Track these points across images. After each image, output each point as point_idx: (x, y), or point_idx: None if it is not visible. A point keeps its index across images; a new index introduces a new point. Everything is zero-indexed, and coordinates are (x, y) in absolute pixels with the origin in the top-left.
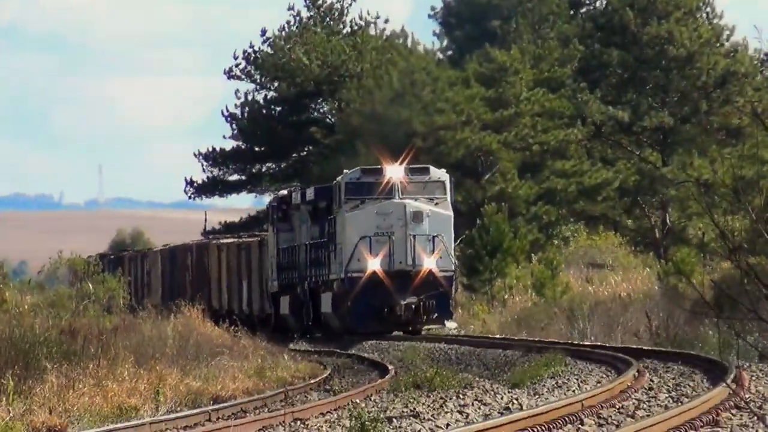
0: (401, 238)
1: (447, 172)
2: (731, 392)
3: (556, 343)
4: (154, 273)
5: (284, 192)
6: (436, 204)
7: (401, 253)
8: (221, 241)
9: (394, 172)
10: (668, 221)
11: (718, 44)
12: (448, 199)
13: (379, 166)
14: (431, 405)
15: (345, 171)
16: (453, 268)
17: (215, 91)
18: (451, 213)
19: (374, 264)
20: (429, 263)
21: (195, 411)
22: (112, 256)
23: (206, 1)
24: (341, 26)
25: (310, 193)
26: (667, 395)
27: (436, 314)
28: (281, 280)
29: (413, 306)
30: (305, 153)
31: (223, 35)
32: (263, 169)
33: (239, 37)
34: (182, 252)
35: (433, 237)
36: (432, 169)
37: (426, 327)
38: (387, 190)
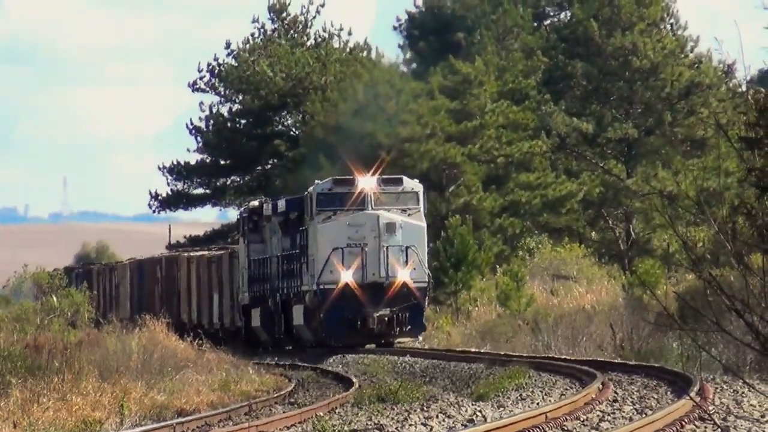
0: (374, 250)
1: (420, 182)
2: (695, 404)
3: (520, 356)
4: (123, 286)
5: (255, 203)
6: (410, 215)
7: (374, 265)
8: (191, 253)
9: (367, 182)
10: (632, 233)
11: (682, 55)
12: (422, 209)
13: (351, 177)
14: (395, 418)
15: (317, 182)
16: (427, 280)
17: (180, 103)
18: (424, 224)
19: (347, 276)
20: (402, 275)
21: (159, 424)
22: (80, 270)
23: (171, 13)
24: (305, 38)
25: (281, 204)
26: (631, 407)
27: (409, 326)
28: (252, 292)
29: (386, 318)
30: (270, 166)
31: (187, 47)
32: (228, 183)
33: (204, 50)
34: (151, 265)
35: (407, 248)
36: (405, 179)
37: (399, 340)
38: (359, 200)
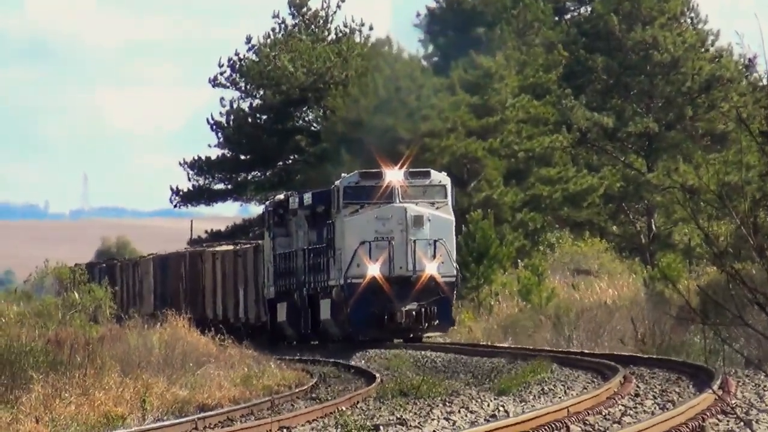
0: (401, 243)
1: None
2: (717, 398)
3: (542, 350)
4: (147, 282)
5: (281, 196)
6: (437, 208)
7: (401, 259)
8: (216, 248)
9: (394, 175)
10: (654, 227)
11: (702, 49)
12: (449, 203)
13: (379, 170)
14: (418, 412)
15: (343, 175)
16: (455, 274)
17: (201, 99)
18: (452, 217)
19: (374, 270)
20: (430, 268)
21: (181, 419)
22: (103, 265)
23: (191, 11)
24: (326, 33)
25: (307, 197)
26: (653, 401)
27: (437, 321)
28: (278, 286)
29: (414, 312)
30: (291, 161)
31: (207, 45)
32: (249, 178)
33: (224, 46)
34: (175, 260)
35: (434, 242)
36: (433, 172)
37: (427, 334)
38: (386, 194)
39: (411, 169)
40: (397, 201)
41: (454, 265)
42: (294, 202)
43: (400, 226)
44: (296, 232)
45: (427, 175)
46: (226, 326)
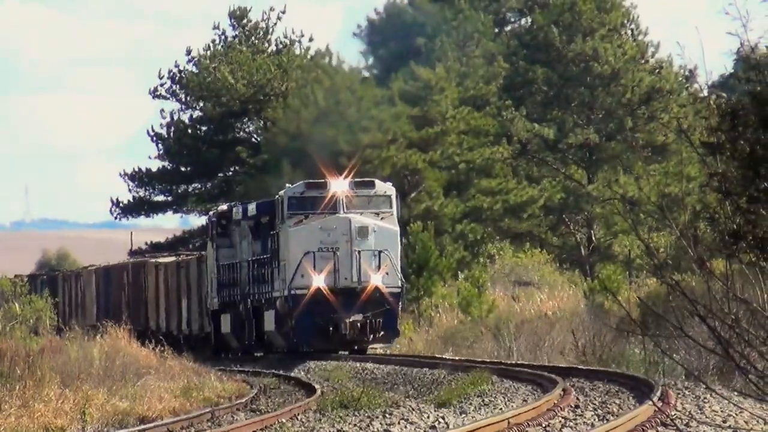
0: (346, 254)
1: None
2: (657, 410)
3: (482, 362)
4: (89, 293)
5: (224, 207)
6: (382, 218)
7: (346, 270)
8: (159, 259)
9: (339, 186)
10: (594, 238)
11: (643, 61)
12: (395, 213)
13: (323, 180)
14: (358, 424)
15: (288, 185)
16: (400, 285)
17: (142, 112)
18: (397, 228)
19: (319, 280)
20: (375, 279)
21: (122, 431)
22: (44, 276)
23: (134, 21)
24: (266, 45)
25: (252, 208)
26: (593, 413)
27: (382, 332)
28: (222, 297)
29: (359, 324)
30: (231, 173)
31: (149, 56)
32: (189, 189)
33: (165, 58)
34: (118, 271)
35: (379, 252)
36: (378, 182)
37: (372, 346)
38: (331, 204)
39: (356, 179)
40: (342, 211)
41: (399, 276)
42: (238, 212)
43: (345, 237)
44: (240, 242)
45: (372, 185)
46: (170, 338)
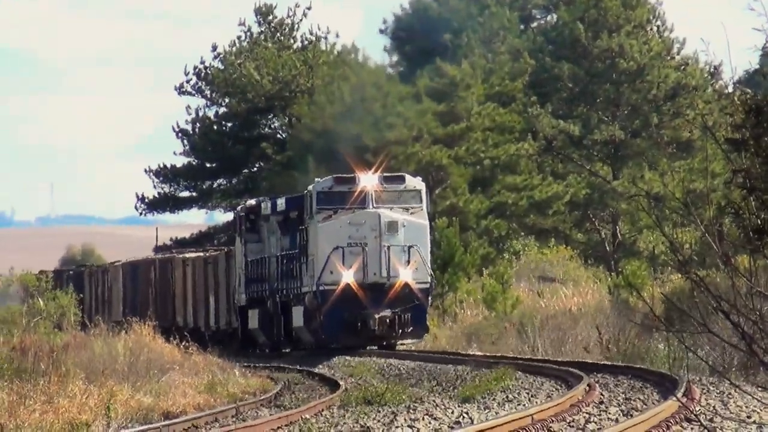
0: (375, 249)
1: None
2: (681, 405)
3: (506, 358)
4: (116, 288)
5: (253, 202)
6: (412, 213)
7: (375, 265)
8: (186, 255)
9: (368, 180)
10: (618, 234)
11: (668, 57)
12: (424, 208)
13: (352, 175)
14: (382, 420)
15: (317, 180)
16: (429, 280)
17: (168, 107)
18: (427, 223)
19: (347, 276)
20: (404, 275)
21: (146, 426)
22: (71, 272)
23: (156, 19)
24: (292, 41)
25: (280, 202)
26: (617, 409)
27: (411, 328)
28: (249, 293)
29: (388, 320)
30: (256, 169)
31: (173, 53)
32: (214, 185)
33: (190, 55)
34: (145, 267)
35: (409, 248)
36: (407, 177)
37: (401, 341)
38: (360, 199)
39: (385, 174)
40: (371, 206)
41: (429, 271)
42: (266, 207)
43: (374, 232)
44: (268, 237)
45: (402, 180)
46: (197, 333)
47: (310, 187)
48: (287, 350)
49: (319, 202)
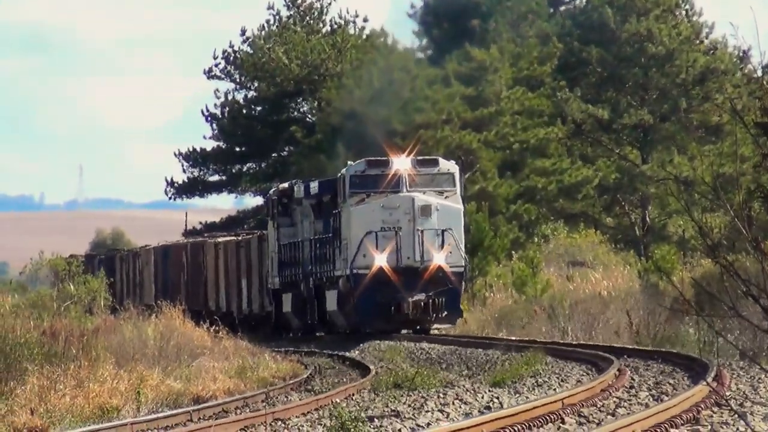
0: (409, 233)
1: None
2: (712, 390)
3: (536, 342)
4: (147, 272)
5: (285, 185)
6: (446, 197)
7: (409, 249)
8: (218, 239)
9: (401, 164)
10: (648, 219)
11: (697, 41)
12: (458, 191)
13: (385, 158)
14: (412, 404)
15: (349, 163)
16: (463, 264)
17: (195, 91)
18: (461, 206)
19: (381, 260)
20: (438, 259)
21: (176, 411)
22: (102, 256)
23: (184, 2)
24: (321, 25)
25: (313, 186)
26: (647, 393)
27: (445, 312)
28: (283, 277)
29: (422, 303)
30: (285, 153)
31: (200, 36)
32: (243, 169)
33: (218, 39)
34: (177, 251)
35: (442, 231)
36: (441, 160)
37: (435, 326)
38: (393, 183)
39: (419, 157)
40: (405, 190)
41: (463, 255)
42: (299, 191)
43: (408, 216)
44: (302, 221)
45: (435, 163)
46: (229, 317)
47: (343, 171)
48: (320, 334)
49: (352, 186)
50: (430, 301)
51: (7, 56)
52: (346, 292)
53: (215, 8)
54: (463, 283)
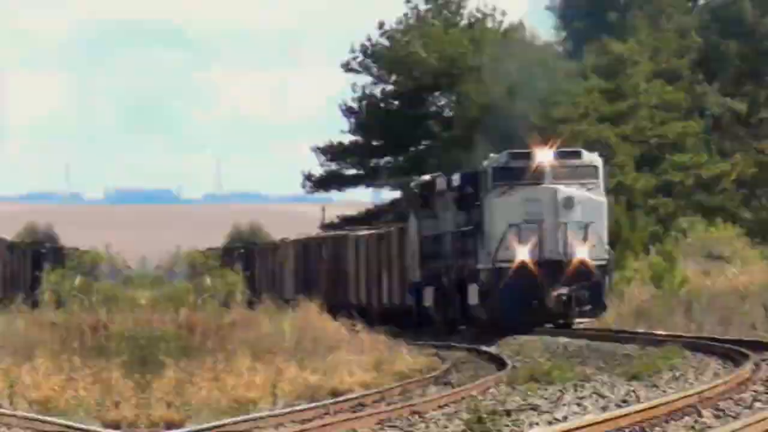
0: (551, 226)
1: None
2: None
3: (673, 336)
4: (287, 266)
5: (427, 178)
6: (589, 189)
7: (551, 242)
8: (358, 232)
9: (544, 156)
10: None
11: None
12: (601, 184)
13: (528, 150)
14: (549, 398)
15: (491, 155)
16: (607, 257)
17: (332, 85)
18: (604, 199)
19: (523, 253)
20: (581, 252)
21: (313, 405)
22: (241, 249)
23: None
24: (459, 19)
25: (455, 178)
26: None
27: (589, 306)
28: (424, 270)
29: (564, 297)
30: (423, 147)
31: (339, 29)
32: (381, 163)
33: (356, 31)
34: (316, 244)
35: (586, 225)
36: (584, 152)
37: (578, 320)
38: (536, 175)
39: (561, 149)
40: (547, 182)
41: (606, 248)
42: (441, 183)
43: (550, 209)
44: (443, 214)
45: (578, 155)
46: (368, 311)
47: (485, 163)
48: (462, 328)
49: (494, 178)
50: (573, 295)
51: (151, 48)
52: (488, 286)
53: (355, 1)
54: (607, 277)
